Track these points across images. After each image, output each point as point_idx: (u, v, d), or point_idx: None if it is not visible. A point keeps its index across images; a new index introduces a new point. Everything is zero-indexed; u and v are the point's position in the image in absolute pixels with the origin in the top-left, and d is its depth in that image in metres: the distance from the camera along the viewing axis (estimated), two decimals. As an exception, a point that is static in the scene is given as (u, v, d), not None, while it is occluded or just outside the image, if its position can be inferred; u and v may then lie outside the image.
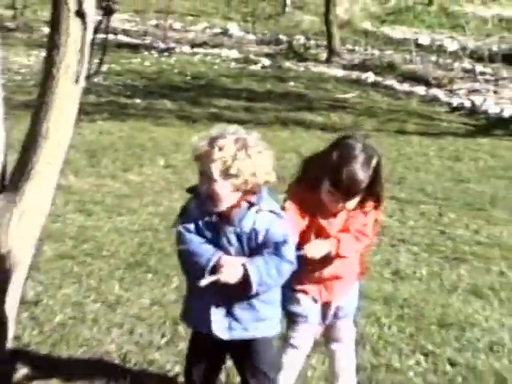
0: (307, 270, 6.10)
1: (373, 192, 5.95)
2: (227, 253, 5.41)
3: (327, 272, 6.14)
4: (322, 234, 6.01)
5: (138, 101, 17.03)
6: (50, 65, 6.25)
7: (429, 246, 10.16)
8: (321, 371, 7.01)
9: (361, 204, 5.99)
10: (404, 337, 7.94)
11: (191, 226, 5.47)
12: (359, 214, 6.07)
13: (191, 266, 5.51)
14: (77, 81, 6.21)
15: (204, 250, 5.41)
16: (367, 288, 8.81)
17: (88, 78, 6.40)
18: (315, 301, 6.26)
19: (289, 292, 6.21)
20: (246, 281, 5.31)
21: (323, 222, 6.00)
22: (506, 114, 16.76)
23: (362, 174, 5.81)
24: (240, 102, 17.51)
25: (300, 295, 6.26)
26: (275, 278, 5.40)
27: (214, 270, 5.34)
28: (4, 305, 6.55)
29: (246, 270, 5.32)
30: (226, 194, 5.34)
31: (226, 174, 5.28)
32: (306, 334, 6.37)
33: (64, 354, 7.04)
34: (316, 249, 5.93)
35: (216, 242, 5.43)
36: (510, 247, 10.21)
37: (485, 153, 14.39)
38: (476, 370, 7.37)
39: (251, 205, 5.40)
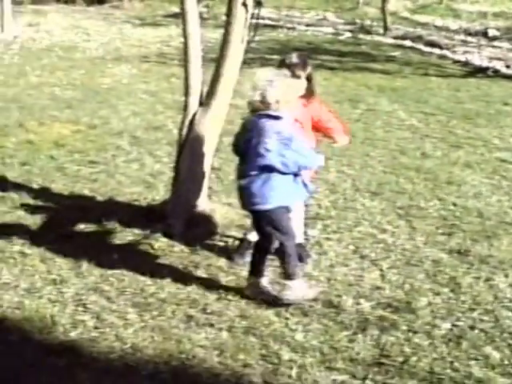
0: None
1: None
2: None
3: None
4: None
5: (275, 56, 16.81)
6: (226, 35, 6.43)
7: (442, 139, 10.07)
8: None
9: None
10: (426, 189, 7.96)
11: None
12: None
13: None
14: (242, 42, 6.28)
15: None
16: (406, 162, 8.83)
17: (248, 43, 6.46)
18: None
19: None
20: None
21: None
22: (483, 65, 16.38)
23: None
24: (334, 57, 17.28)
25: None
26: None
27: None
28: (202, 170, 6.67)
29: None
30: None
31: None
32: None
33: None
34: None
35: None
36: (487, 139, 10.15)
37: (472, 87, 14.06)
38: (467, 208, 7.39)
39: None
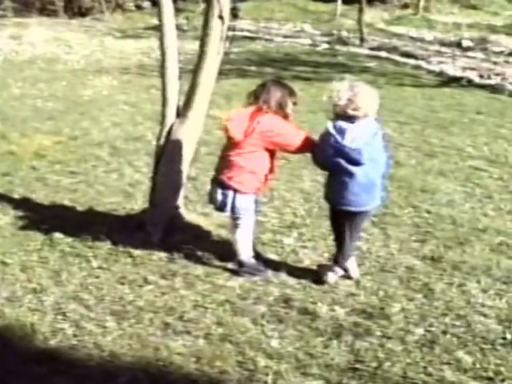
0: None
1: None
2: None
3: None
4: None
5: (252, 68, 16.80)
6: (203, 46, 6.42)
7: (416, 148, 10.09)
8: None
9: None
10: (400, 198, 7.95)
11: None
12: None
13: None
14: (218, 54, 6.30)
15: None
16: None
17: (224, 54, 6.48)
18: None
19: None
20: None
21: None
22: (457, 75, 16.48)
23: None
24: (310, 68, 17.27)
25: None
26: None
27: None
28: (179, 179, 6.67)
29: None
30: None
31: None
32: None
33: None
34: None
35: None
36: (461, 148, 10.17)
37: (446, 96, 14.13)
38: (440, 215, 7.42)
39: None
